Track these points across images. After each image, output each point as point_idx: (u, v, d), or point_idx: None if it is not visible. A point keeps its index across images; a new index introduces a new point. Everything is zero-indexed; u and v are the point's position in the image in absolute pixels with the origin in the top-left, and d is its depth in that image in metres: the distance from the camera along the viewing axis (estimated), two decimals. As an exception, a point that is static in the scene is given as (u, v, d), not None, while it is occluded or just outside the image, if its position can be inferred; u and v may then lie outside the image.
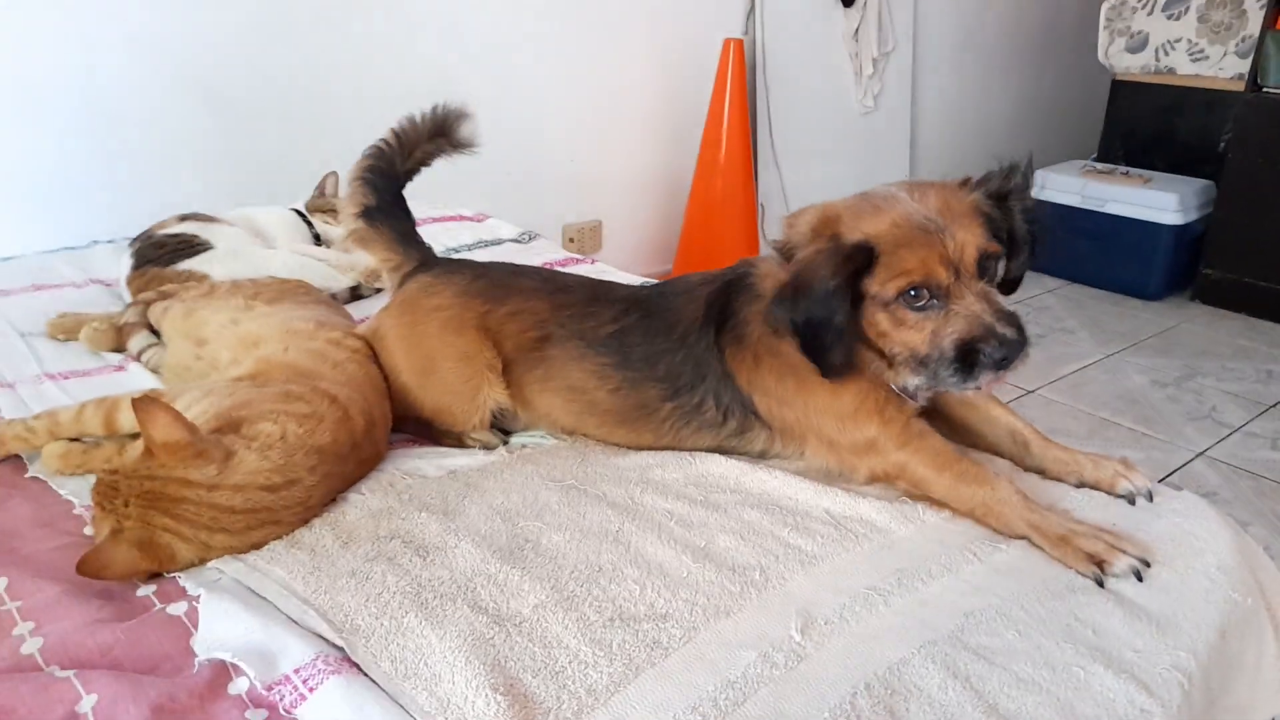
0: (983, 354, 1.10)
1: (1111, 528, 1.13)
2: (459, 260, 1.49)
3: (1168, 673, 0.93)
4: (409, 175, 1.46)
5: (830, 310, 1.12)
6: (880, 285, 1.12)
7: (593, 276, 1.49)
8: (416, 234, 1.48)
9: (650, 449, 1.31)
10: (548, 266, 1.80)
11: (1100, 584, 1.05)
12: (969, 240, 1.11)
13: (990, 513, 1.14)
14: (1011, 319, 1.10)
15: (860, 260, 1.12)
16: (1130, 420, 2.75)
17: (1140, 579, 1.05)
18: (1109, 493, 1.21)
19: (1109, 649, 0.95)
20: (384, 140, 1.44)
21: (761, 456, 1.28)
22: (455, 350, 1.33)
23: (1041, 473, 1.26)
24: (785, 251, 1.20)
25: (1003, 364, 1.10)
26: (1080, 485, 1.23)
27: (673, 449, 1.30)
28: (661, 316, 1.31)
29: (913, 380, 1.19)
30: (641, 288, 1.39)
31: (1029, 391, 2.91)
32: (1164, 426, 2.72)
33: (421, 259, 1.44)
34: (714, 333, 1.26)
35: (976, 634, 0.96)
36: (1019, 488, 1.15)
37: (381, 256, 1.45)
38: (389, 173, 1.44)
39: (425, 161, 1.47)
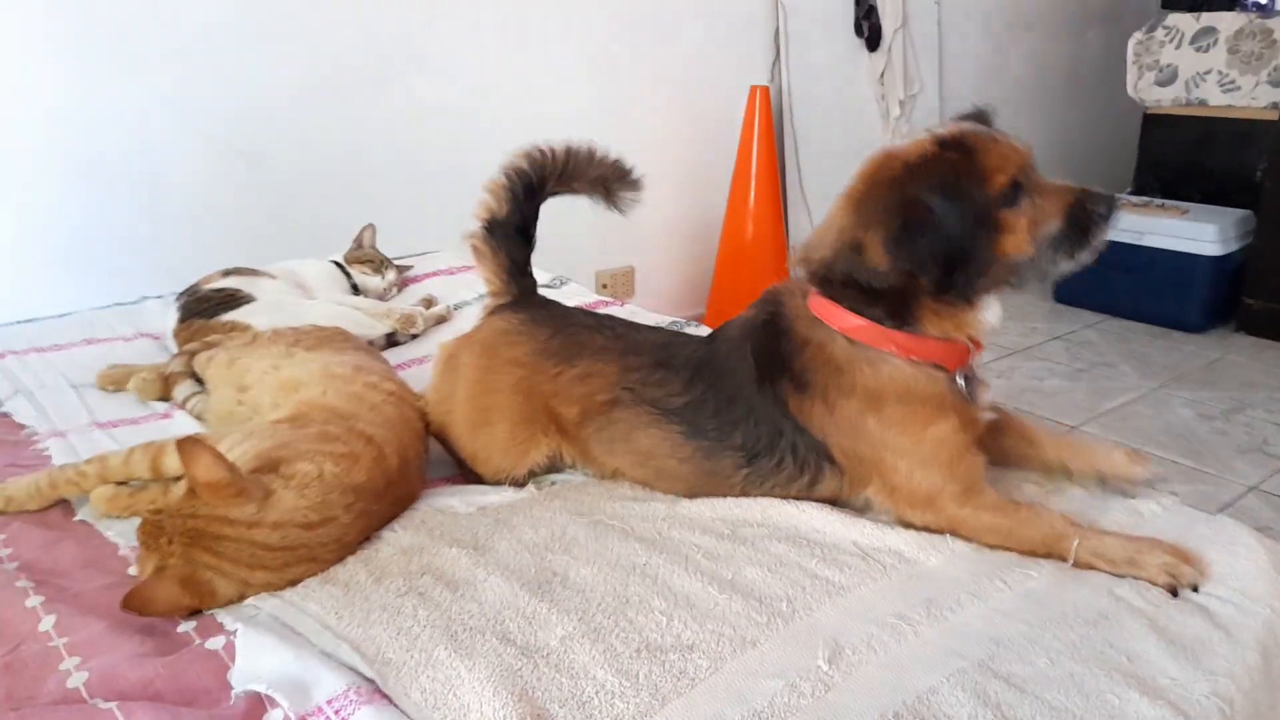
0: (1091, 211, 1.13)
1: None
2: (545, 309, 1.44)
3: (1206, 700, 0.91)
4: (552, 195, 1.41)
5: (962, 218, 1.09)
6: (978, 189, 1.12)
7: (661, 328, 1.46)
8: (528, 266, 1.43)
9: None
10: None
11: (1174, 594, 1.06)
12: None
13: (1049, 550, 1.13)
14: None
15: (960, 162, 1.11)
16: (1178, 454, 2.69)
17: (1196, 590, 1.06)
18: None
19: (1144, 675, 0.94)
20: (545, 149, 1.36)
21: (831, 502, 1.25)
22: (519, 413, 1.33)
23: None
24: (821, 267, 1.19)
25: (1111, 216, 1.13)
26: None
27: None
28: (725, 383, 1.26)
29: (992, 313, 1.18)
30: (698, 348, 1.33)
31: (1073, 428, 2.87)
32: (1213, 460, 2.66)
33: (520, 294, 1.42)
34: (772, 388, 1.23)
35: (1007, 662, 0.95)
36: (1067, 515, 1.16)
37: (485, 276, 1.42)
38: (536, 186, 1.37)
39: (577, 191, 1.41)
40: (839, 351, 1.19)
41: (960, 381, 1.20)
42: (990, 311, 1.19)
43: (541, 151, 1.37)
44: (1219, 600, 1.05)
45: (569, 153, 1.38)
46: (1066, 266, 1.17)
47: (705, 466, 1.26)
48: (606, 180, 1.42)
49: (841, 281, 1.18)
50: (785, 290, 1.28)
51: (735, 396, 1.25)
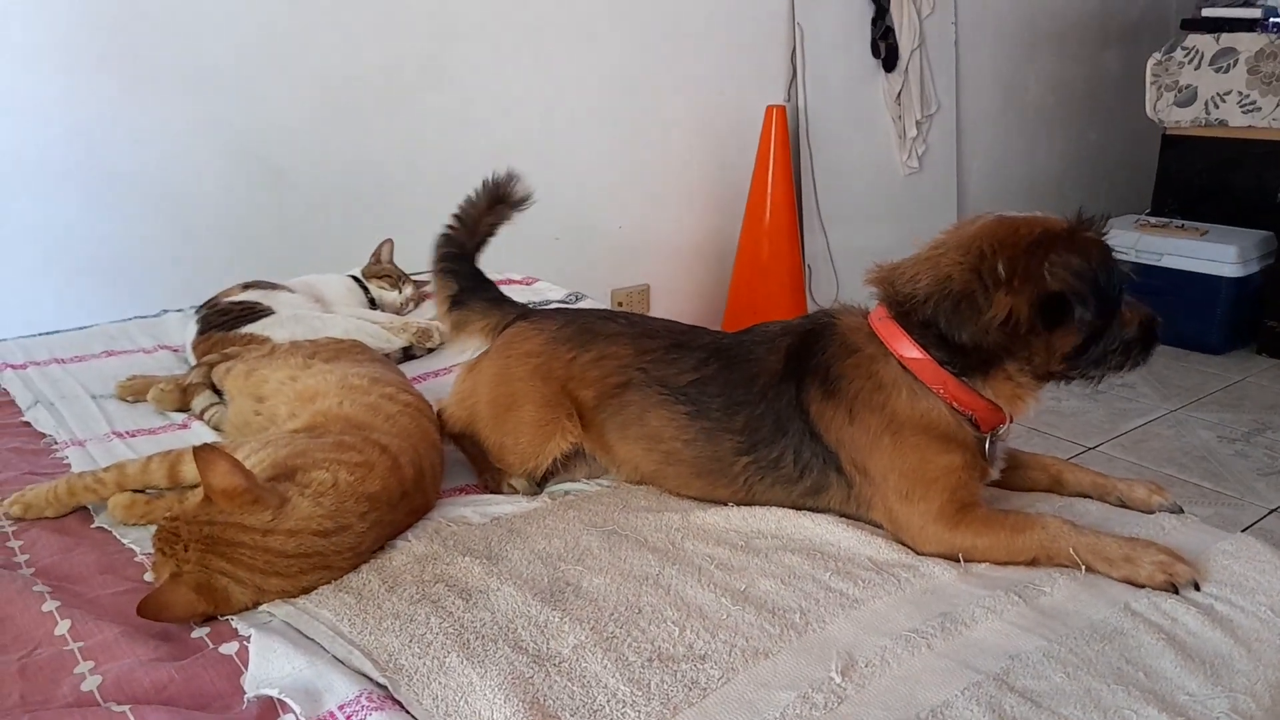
0: (1155, 331, 1.18)
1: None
2: (553, 309, 1.55)
3: (1226, 717, 0.90)
4: (479, 249, 1.53)
5: (1114, 297, 1.15)
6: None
7: (679, 321, 1.49)
8: (506, 297, 1.53)
9: (725, 502, 1.29)
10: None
11: (1176, 591, 1.07)
12: None
13: (1047, 554, 1.13)
14: None
15: (1106, 244, 1.17)
16: (1198, 476, 2.66)
17: (1198, 588, 1.07)
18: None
19: (1162, 692, 0.92)
20: (449, 225, 1.51)
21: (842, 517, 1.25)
22: (540, 395, 1.36)
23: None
24: (905, 299, 1.19)
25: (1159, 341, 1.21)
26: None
27: (747, 503, 1.27)
28: (742, 367, 1.29)
29: (1044, 395, 1.21)
30: (724, 335, 1.39)
31: (1090, 448, 2.85)
32: (1234, 483, 2.63)
33: (518, 313, 1.49)
34: (795, 387, 1.24)
35: (1022, 676, 0.94)
36: (1065, 518, 1.15)
37: (479, 327, 1.48)
38: (463, 255, 1.51)
39: (491, 232, 1.53)
40: (886, 371, 1.20)
41: (988, 444, 1.21)
42: (1044, 394, 1.22)
43: (446, 230, 1.52)
44: (1242, 614, 1.04)
45: (461, 214, 1.51)
46: (1117, 374, 1.21)
47: (708, 450, 1.28)
48: (497, 198, 1.51)
49: (923, 322, 1.18)
50: (842, 308, 1.31)
51: (747, 382, 1.27)
